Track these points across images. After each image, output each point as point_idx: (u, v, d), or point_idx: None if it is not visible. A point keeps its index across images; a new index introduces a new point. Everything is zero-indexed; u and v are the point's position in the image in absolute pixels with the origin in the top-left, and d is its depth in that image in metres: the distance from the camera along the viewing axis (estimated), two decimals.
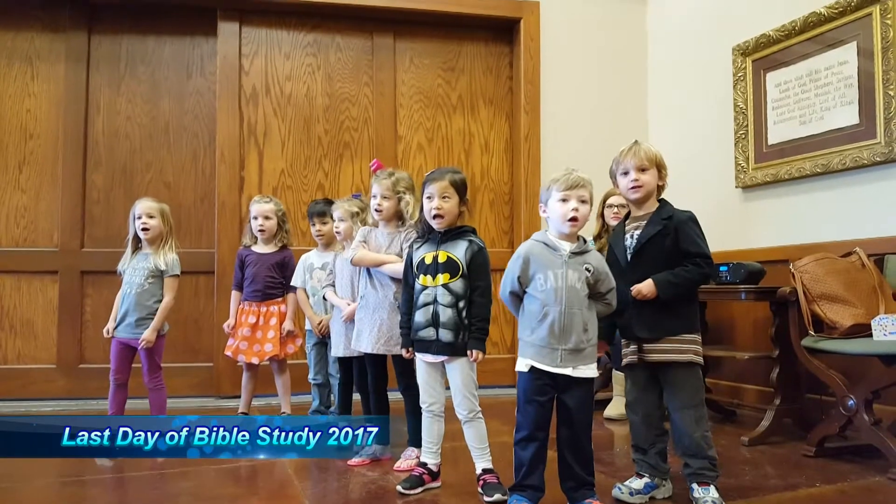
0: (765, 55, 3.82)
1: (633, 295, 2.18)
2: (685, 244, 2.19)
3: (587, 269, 2.07)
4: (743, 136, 3.93)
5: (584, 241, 2.13)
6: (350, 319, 2.81)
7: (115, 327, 3.13)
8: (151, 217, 3.14)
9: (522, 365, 2.06)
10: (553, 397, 2.06)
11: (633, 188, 2.24)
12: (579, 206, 2.07)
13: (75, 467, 2.75)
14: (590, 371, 2.07)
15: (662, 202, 2.29)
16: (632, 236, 2.26)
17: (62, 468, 2.79)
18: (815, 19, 3.48)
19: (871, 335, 2.60)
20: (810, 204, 3.55)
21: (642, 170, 2.23)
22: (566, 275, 2.05)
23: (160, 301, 3.14)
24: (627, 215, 2.36)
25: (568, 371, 2.03)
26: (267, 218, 3.42)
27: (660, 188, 2.30)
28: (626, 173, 2.26)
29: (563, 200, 2.07)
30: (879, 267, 2.94)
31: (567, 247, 2.08)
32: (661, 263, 2.19)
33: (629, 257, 2.24)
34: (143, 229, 3.13)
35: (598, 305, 2.11)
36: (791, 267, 2.92)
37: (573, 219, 2.06)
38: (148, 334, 3.07)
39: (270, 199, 3.49)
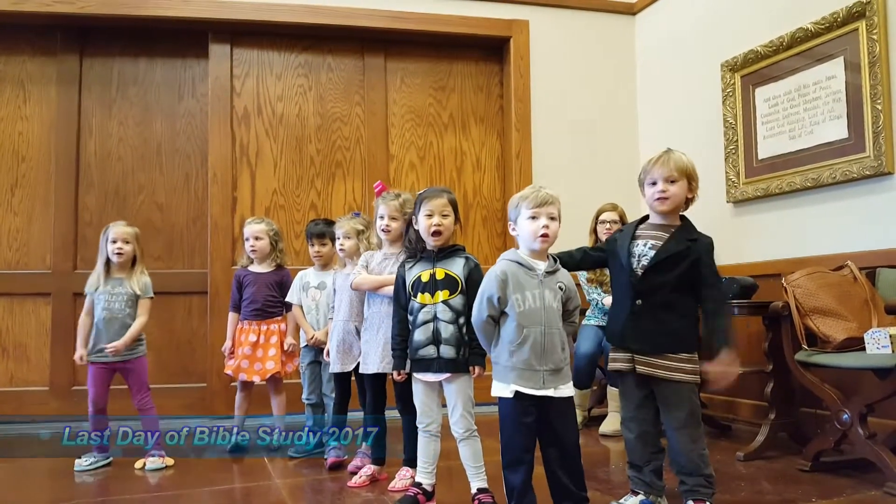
0: (753, 70, 3.86)
1: (722, 382, 2.10)
2: (706, 272, 2.14)
3: (560, 287, 2.08)
4: (733, 151, 3.96)
5: (555, 260, 2.13)
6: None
7: (93, 352, 3.10)
8: (127, 242, 3.15)
9: (505, 390, 2.03)
10: (536, 418, 2.04)
11: (659, 199, 2.17)
12: (549, 222, 2.06)
13: (66, 492, 2.73)
14: (569, 390, 2.07)
15: (684, 220, 2.24)
16: (645, 245, 2.20)
17: (52, 493, 2.76)
18: (802, 35, 3.52)
19: (864, 349, 2.60)
20: (801, 218, 3.57)
21: (671, 181, 2.16)
22: (543, 295, 2.04)
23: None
24: (644, 219, 2.30)
25: (550, 392, 2.02)
26: (258, 238, 3.44)
27: (688, 200, 2.22)
28: (653, 183, 2.18)
29: (533, 218, 2.07)
30: (871, 280, 2.96)
31: (542, 266, 2.08)
32: (673, 280, 2.15)
33: (641, 269, 2.18)
34: (118, 253, 3.12)
35: (565, 326, 2.11)
36: (783, 281, 2.93)
37: (544, 235, 2.06)
38: (119, 344, 3.05)
39: (262, 219, 3.52)
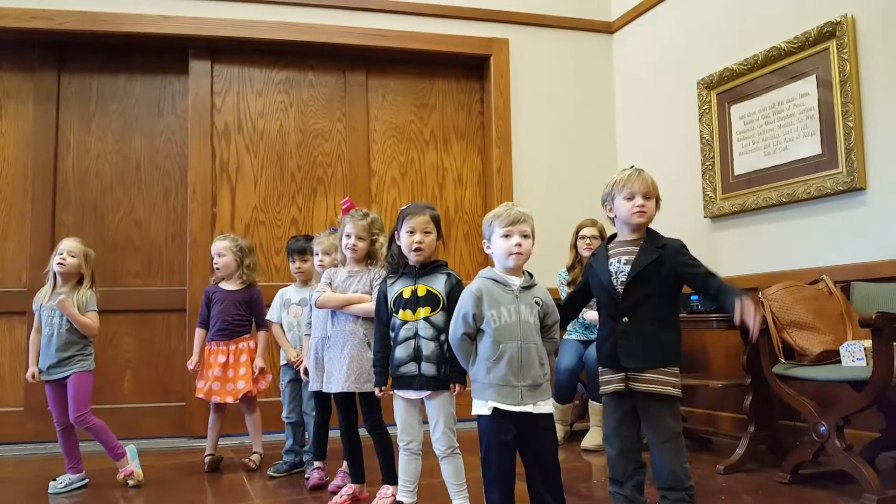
0: (729, 88, 3.92)
1: (747, 321, 2.03)
2: (688, 269, 2.17)
3: (536, 303, 2.08)
4: (710, 168, 4.02)
5: (531, 276, 2.14)
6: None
7: (46, 370, 3.03)
8: (73, 256, 3.07)
9: (484, 408, 2.03)
10: (515, 435, 2.03)
11: (638, 213, 2.21)
12: (522, 240, 2.08)
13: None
14: (549, 406, 2.07)
15: (650, 230, 2.28)
16: (619, 262, 2.22)
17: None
18: (776, 53, 3.59)
19: (840, 361, 2.64)
20: (777, 232, 3.62)
21: (648, 197, 2.22)
22: (518, 310, 2.05)
23: (84, 337, 3.06)
24: (612, 238, 2.33)
25: (529, 408, 2.02)
26: (220, 255, 3.40)
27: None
28: (631, 198, 2.22)
29: (506, 236, 2.08)
30: (846, 294, 3.00)
31: (517, 282, 2.09)
32: (655, 291, 2.17)
33: (621, 286, 2.19)
34: (59, 264, 3.05)
35: (545, 343, 2.11)
36: (760, 295, 2.96)
37: (517, 254, 2.07)
38: (68, 303, 2.98)
39: (227, 236, 3.48)
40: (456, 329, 2.09)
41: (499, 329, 2.03)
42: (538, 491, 2.06)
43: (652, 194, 2.23)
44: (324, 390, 2.72)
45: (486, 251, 2.17)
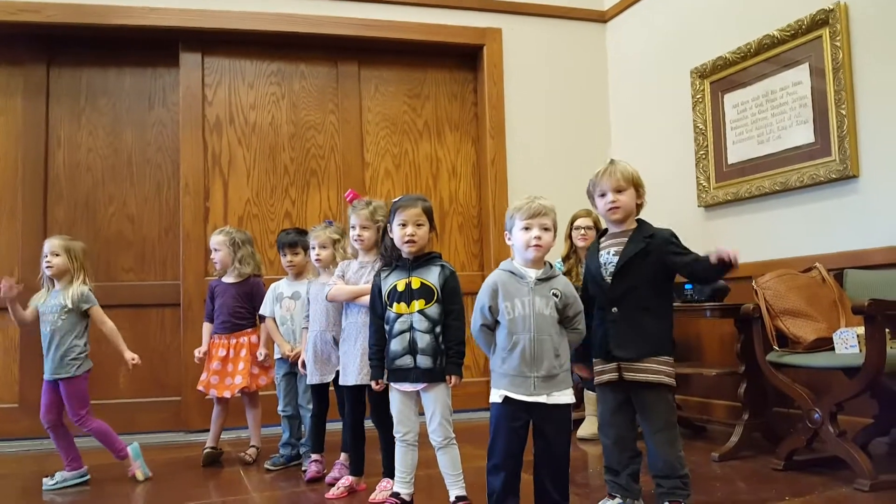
0: (722, 77, 3.92)
1: (732, 259, 2.05)
2: (675, 258, 2.18)
3: (554, 294, 2.09)
4: (703, 157, 4.02)
5: (551, 267, 2.14)
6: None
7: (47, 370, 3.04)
8: (56, 255, 3.08)
9: (496, 396, 2.06)
10: (527, 423, 2.06)
11: (611, 209, 2.24)
12: (542, 233, 2.08)
13: None
14: (565, 397, 2.06)
15: (640, 222, 2.29)
16: (608, 253, 2.25)
17: None
18: (769, 41, 3.59)
19: (833, 349, 2.66)
20: (770, 221, 3.63)
21: (619, 191, 2.22)
22: (533, 301, 2.06)
23: (79, 337, 3.05)
24: (604, 232, 2.36)
25: (542, 399, 2.03)
26: (216, 250, 3.42)
27: (638, 207, 2.28)
28: (603, 195, 2.25)
29: (526, 228, 2.09)
30: (839, 281, 3.02)
31: (533, 274, 2.10)
32: (643, 281, 2.19)
33: (610, 276, 2.22)
34: (48, 266, 3.07)
35: (569, 334, 2.12)
36: (754, 283, 2.98)
37: (536, 246, 2.08)
38: (127, 354, 3.10)
39: (221, 230, 3.48)
40: (475, 321, 2.13)
41: (512, 321, 2.06)
42: (542, 481, 2.08)
43: (624, 187, 2.23)
44: (340, 383, 2.73)
45: (508, 243, 2.18)
